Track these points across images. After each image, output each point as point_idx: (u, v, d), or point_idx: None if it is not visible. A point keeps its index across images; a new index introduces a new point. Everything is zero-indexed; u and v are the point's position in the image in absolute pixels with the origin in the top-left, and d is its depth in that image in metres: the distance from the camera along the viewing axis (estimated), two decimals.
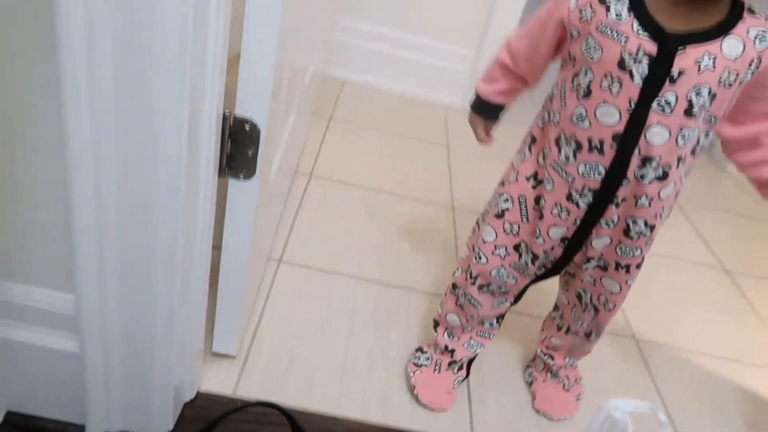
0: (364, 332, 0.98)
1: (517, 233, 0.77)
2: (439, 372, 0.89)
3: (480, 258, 0.80)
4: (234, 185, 0.72)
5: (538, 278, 0.82)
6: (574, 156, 0.68)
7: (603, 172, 0.67)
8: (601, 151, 0.66)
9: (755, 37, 0.60)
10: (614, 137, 0.64)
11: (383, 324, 1.00)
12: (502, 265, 0.79)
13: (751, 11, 0.61)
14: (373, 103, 1.83)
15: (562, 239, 0.75)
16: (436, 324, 0.91)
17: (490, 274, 0.80)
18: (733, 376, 1.11)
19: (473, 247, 0.82)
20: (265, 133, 0.67)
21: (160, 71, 0.50)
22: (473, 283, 0.82)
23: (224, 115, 0.63)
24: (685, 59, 0.59)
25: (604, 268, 0.77)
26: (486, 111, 0.82)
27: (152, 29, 0.47)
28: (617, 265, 0.76)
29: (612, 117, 0.63)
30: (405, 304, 1.06)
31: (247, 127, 0.66)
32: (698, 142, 0.66)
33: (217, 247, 0.73)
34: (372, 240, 1.20)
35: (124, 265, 0.61)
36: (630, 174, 0.66)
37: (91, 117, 0.52)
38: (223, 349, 0.85)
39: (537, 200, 0.74)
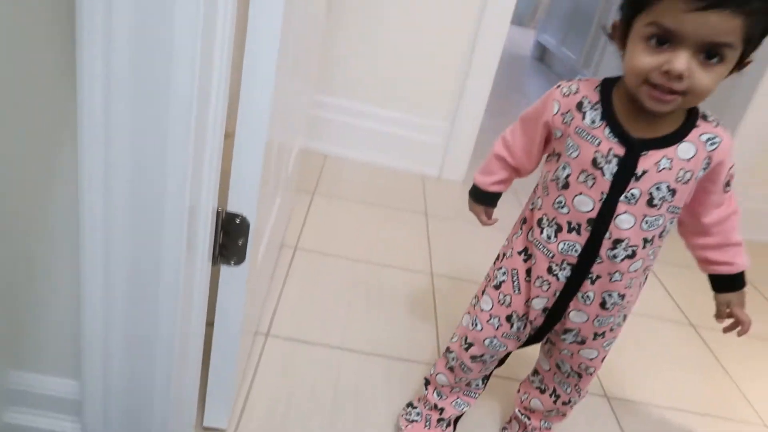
0: (349, 402, 1.03)
1: (509, 304, 0.86)
2: (430, 428, 0.97)
3: (476, 325, 0.88)
4: (226, 271, 0.79)
5: (522, 345, 0.90)
6: (555, 235, 0.78)
7: (579, 249, 0.77)
8: (578, 232, 0.76)
9: (706, 141, 0.71)
10: (589, 221, 0.75)
11: (368, 393, 1.06)
12: (495, 336, 0.87)
13: (705, 118, 0.72)
14: (355, 176, 1.94)
15: (544, 309, 0.83)
16: (427, 382, 0.99)
17: (484, 342, 0.88)
18: (704, 430, 1.17)
19: (471, 315, 0.90)
20: (253, 225, 0.75)
21: (167, 184, 0.58)
22: (467, 350, 0.90)
23: (218, 211, 0.72)
24: (647, 161, 0.70)
25: (582, 342, 0.85)
26: (485, 199, 0.92)
27: (162, 153, 0.56)
28: (594, 335, 0.84)
29: (587, 206, 0.74)
30: (387, 371, 1.12)
31: (238, 221, 0.74)
32: (664, 228, 0.76)
33: (210, 324, 0.80)
34: (355, 310, 1.27)
35: (128, 348, 0.68)
36: (603, 253, 0.75)
37: (104, 216, 0.60)
38: (213, 423, 0.90)
39: (528, 273, 0.83)
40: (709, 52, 0.62)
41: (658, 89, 0.64)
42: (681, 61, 0.62)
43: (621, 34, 0.69)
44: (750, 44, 0.63)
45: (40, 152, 0.60)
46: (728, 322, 0.85)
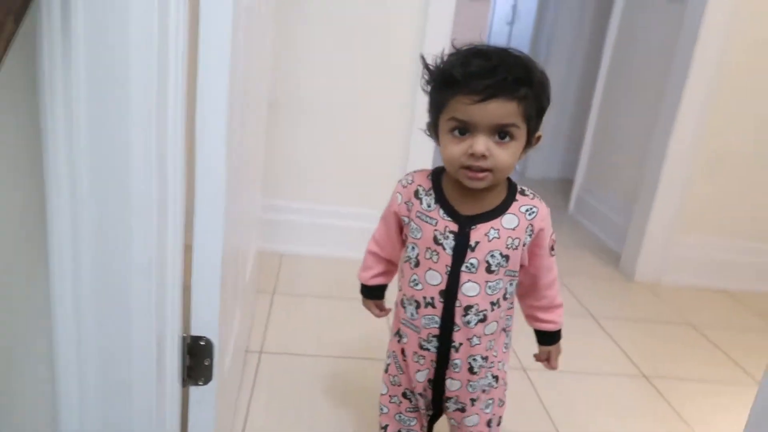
0: None
1: (399, 384, 0.96)
2: None
3: (383, 409, 0.99)
4: (195, 391, 0.84)
5: (432, 419, 0.99)
6: (416, 312, 0.89)
7: (438, 320, 0.87)
8: (433, 305, 0.87)
9: (526, 211, 0.86)
10: (440, 293, 0.86)
11: None
12: (399, 412, 0.97)
13: (523, 192, 0.87)
14: (312, 271, 2.01)
15: (429, 381, 0.93)
16: None
17: (395, 418, 0.97)
18: None
19: (379, 403, 1.00)
20: (218, 345, 0.81)
21: (133, 315, 0.64)
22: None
23: (183, 336, 0.78)
24: (477, 233, 0.84)
25: (463, 410, 0.94)
26: (372, 293, 1.03)
27: (126, 278, 0.63)
28: (472, 401, 0.93)
29: (436, 279, 0.86)
30: None
31: (203, 343, 0.80)
32: (506, 290, 0.88)
33: None
34: (322, 409, 1.31)
35: None
36: (458, 321, 0.86)
37: (77, 355, 0.65)
38: None
39: (403, 352, 0.94)
40: (501, 133, 0.77)
41: (471, 170, 0.78)
42: (480, 143, 0.76)
43: (433, 131, 0.85)
44: (531, 121, 0.79)
45: (14, 283, 0.66)
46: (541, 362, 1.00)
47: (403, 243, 0.95)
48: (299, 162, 2.06)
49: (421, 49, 1.96)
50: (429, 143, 2.07)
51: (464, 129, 0.78)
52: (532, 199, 0.87)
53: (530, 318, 0.98)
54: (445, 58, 0.81)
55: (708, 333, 1.92)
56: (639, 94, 2.55)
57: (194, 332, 0.79)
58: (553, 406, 1.42)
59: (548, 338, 0.98)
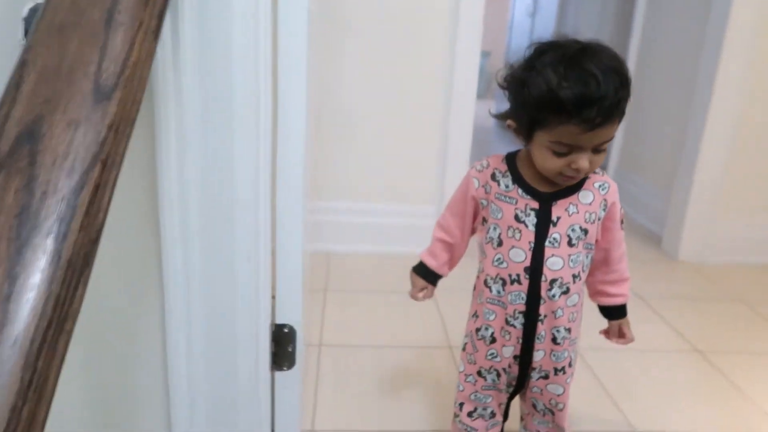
0: None
1: (474, 362, 0.99)
2: None
3: (459, 387, 1.02)
4: (280, 376, 0.89)
5: (512, 395, 1.02)
6: (503, 289, 0.92)
7: (524, 297, 0.91)
8: (519, 282, 0.90)
9: (599, 187, 0.90)
10: (525, 270, 0.89)
11: None
12: (475, 390, 0.99)
13: (593, 171, 0.89)
14: (360, 268, 2.06)
15: (514, 357, 0.96)
16: None
17: (470, 398, 1.00)
18: None
19: (458, 380, 1.03)
20: (300, 333, 0.86)
21: (238, 306, 0.70)
22: (461, 410, 1.02)
23: (271, 325, 0.83)
24: (558, 209, 0.88)
25: (546, 377, 0.97)
26: (430, 277, 1.04)
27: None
28: (555, 371, 0.96)
29: (520, 256, 0.89)
30: None
31: (286, 330, 0.85)
32: (584, 263, 0.92)
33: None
34: (388, 395, 1.35)
35: None
36: (543, 294, 0.90)
37: (186, 351, 0.71)
38: None
39: (477, 332, 0.97)
40: (600, 147, 0.81)
41: (569, 176, 0.84)
42: (584, 161, 0.81)
43: (520, 131, 0.86)
44: (623, 110, 0.81)
45: (132, 295, 0.72)
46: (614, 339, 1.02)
47: (474, 230, 0.99)
48: (341, 167, 2.12)
49: (452, 53, 2.00)
50: (463, 141, 2.12)
51: (568, 151, 0.81)
52: (602, 175, 0.92)
53: (598, 294, 1.00)
54: (534, 64, 0.81)
55: (760, 309, 1.91)
56: (670, 76, 2.54)
57: (279, 320, 0.84)
58: (612, 385, 1.44)
59: (617, 312, 1.01)
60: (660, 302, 1.89)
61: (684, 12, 2.47)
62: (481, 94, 6.49)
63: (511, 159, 0.93)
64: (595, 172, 0.90)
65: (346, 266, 2.07)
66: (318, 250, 2.12)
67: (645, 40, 2.78)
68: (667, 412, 1.35)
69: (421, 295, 1.06)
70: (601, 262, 0.96)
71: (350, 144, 2.10)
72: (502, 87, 0.87)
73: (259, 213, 0.71)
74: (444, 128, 2.09)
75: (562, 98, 0.77)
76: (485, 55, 2.16)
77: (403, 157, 2.12)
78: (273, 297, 0.83)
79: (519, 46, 4.62)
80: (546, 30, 4.01)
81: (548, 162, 0.83)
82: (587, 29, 3.63)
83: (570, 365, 0.98)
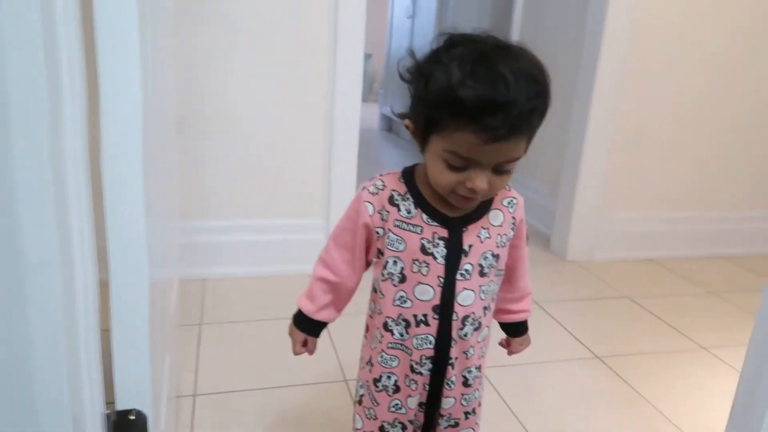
0: None
1: (375, 417, 0.84)
2: None
3: None
4: None
5: None
6: (407, 332, 0.78)
7: (433, 340, 0.78)
8: (426, 323, 0.77)
9: (507, 204, 0.80)
10: (434, 309, 0.77)
11: None
12: None
13: None
14: (241, 293, 1.84)
15: (420, 404, 0.83)
16: None
17: None
18: None
19: None
20: (152, 416, 0.66)
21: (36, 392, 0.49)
22: None
23: (107, 414, 0.62)
24: (469, 236, 0.76)
25: (456, 425, 0.85)
26: (309, 328, 0.87)
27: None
28: (466, 415, 0.85)
29: (428, 293, 0.76)
30: None
31: (132, 417, 0.65)
32: (494, 291, 0.82)
33: None
34: None
35: None
36: (455, 334, 0.78)
37: None
38: None
39: (375, 382, 0.83)
40: (503, 166, 0.69)
41: (464, 197, 0.71)
42: (481, 181, 0.68)
43: (416, 134, 0.73)
44: (531, 140, 0.70)
45: None
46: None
47: (369, 263, 0.84)
48: (214, 179, 1.88)
49: (334, 54, 1.85)
50: (349, 147, 1.97)
51: (464, 165, 0.68)
52: (509, 190, 0.81)
53: (501, 312, 0.90)
54: (441, 57, 0.67)
55: (645, 303, 1.95)
56: (551, 77, 2.56)
57: (120, 405, 0.64)
58: (516, 403, 1.36)
59: (521, 328, 0.93)
60: (554, 306, 1.87)
61: (562, 13, 2.50)
62: (364, 98, 6.44)
63: (409, 177, 0.78)
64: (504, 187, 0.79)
65: (225, 293, 1.84)
66: (190, 276, 1.88)
67: (523, 41, 2.79)
68: (576, 426, 1.29)
69: (303, 351, 0.89)
70: (505, 281, 0.86)
71: (225, 154, 1.87)
72: (403, 79, 0.72)
73: (73, 271, 0.51)
74: (328, 134, 1.93)
75: (461, 98, 0.63)
76: (366, 57, 2.03)
77: (284, 166, 1.93)
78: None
79: (399, 47, 4.58)
80: (426, 31, 3.99)
81: (441, 175, 0.69)
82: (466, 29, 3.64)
83: (479, 404, 0.88)
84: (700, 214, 2.42)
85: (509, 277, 0.86)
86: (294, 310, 0.89)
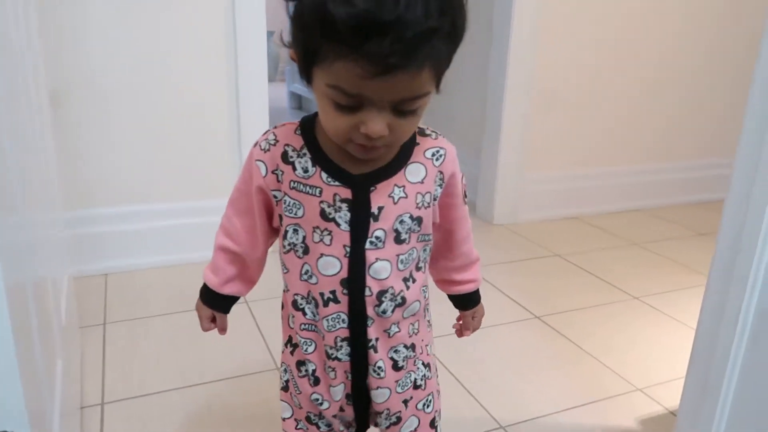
0: None
1: (300, 406, 0.73)
2: None
3: None
4: None
5: None
6: (317, 312, 0.66)
7: (346, 319, 0.65)
8: (336, 300, 0.65)
9: (432, 156, 0.65)
10: (342, 284, 0.64)
11: None
12: None
13: (422, 133, 0.66)
14: (149, 286, 1.64)
15: (347, 395, 0.71)
16: None
17: None
18: (595, 420, 1.16)
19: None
20: None
21: None
22: None
23: None
24: (379, 196, 0.62)
25: (398, 421, 0.73)
26: (216, 303, 0.75)
27: None
28: (405, 404, 0.72)
29: (333, 267, 0.64)
30: None
31: None
32: (419, 259, 0.68)
33: None
34: None
35: None
36: (371, 312, 0.65)
37: None
38: None
39: (299, 366, 0.71)
40: (405, 105, 0.54)
41: (363, 147, 0.57)
42: (376, 123, 0.54)
43: (302, 74, 0.58)
44: (442, 75, 0.56)
45: None
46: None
47: (275, 230, 0.70)
48: (107, 162, 1.66)
49: (233, 12, 1.67)
50: (259, 126, 1.80)
51: (355, 104, 0.53)
52: (436, 139, 0.67)
53: (444, 283, 0.79)
54: None
55: (575, 260, 1.94)
56: (466, 47, 2.50)
57: None
58: (462, 371, 1.28)
59: (469, 300, 0.80)
60: (487, 270, 1.81)
61: None
62: (271, 78, 6.22)
63: (308, 128, 0.64)
64: (425, 134, 0.66)
65: (130, 287, 1.63)
66: (88, 272, 1.65)
67: None
68: (525, 390, 1.23)
69: (212, 327, 0.77)
70: (442, 246, 0.74)
71: (121, 135, 1.65)
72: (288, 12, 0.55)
73: None
74: (235, 113, 1.75)
75: (333, 16, 0.48)
76: (269, 34, 1.87)
77: (188, 147, 1.73)
78: None
79: None
80: None
81: (330, 119, 0.56)
82: None
83: (417, 386, 0.72)
84: (617, 169, 2.46)
85: (447, 242, 0.74)
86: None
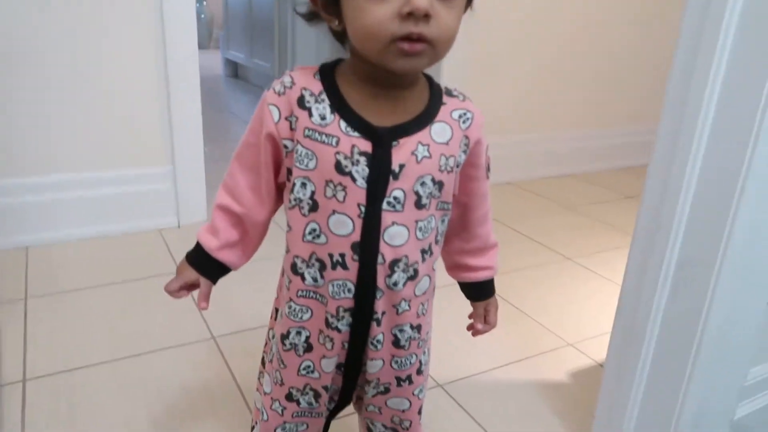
0: None
1: (281, 382, 0.68)
2: None
3: (263, 414, 0.71)
4: None
5: (332, 413, 0.74)
6: (322, 276, 0.61)
7: (352, 288, 0.61)
8: (344, 265, 0.60)
9: (459, 118, 0.61)
10: (353, 247, 0.59)
11: None
12: (284, 422, 0.70)
13: (449, 93, 0.63)
14: (76, 259, 1.56)
15: (338, 366, 0.67)
16: None
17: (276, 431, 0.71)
18: (529, 375, 1.20)
19: (259, 397, 0.73)
20: None
21: None
22: None
23: None
24: (402, 152, 0.57)
25: (386, 391, 0.70)
26: (206, 267, 0.67)
27: None
28: (398, 381, 0.69)
29: (345, 227, 0.58)
30: None
31: None
32: (437, 230, 0.65)
33: None
34: (138, 425, 0.99)
35: None
36: (381, 283, 0.61)
37: None
38: None
39: (283, 339, 0.66)
40: None
41: (407, 40, 0.51)
42: None
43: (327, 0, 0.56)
44: None
45: None
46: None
47: (280, 192, 0.65)
48: (23, 127, 1.55)
49: None
50: (190, 91, 1.72)
51: None
52: (463, 101, 0.62)
53: (457, 268, 0.74)
54: None
55: (511, 224, 1.98)
56: None
57: None
58: None
59: (482, 290, 0.75)
60: None
61: None
62: (203, 45, 5.97)
63: (328, 74, 0.59)
64: (452, 95, 0.62)
65: (55, 260, 1.55)
66: (6, 246, 1.56)
67: None
68: (462, 349, 1.26)
69: (182, 293, 0.67)
70: (457, 225, 0.69)
71: (39, 98, 1.54)
72: None
73: None
74: (164, 79, 1.66)
75: None
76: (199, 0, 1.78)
77: (114, 113, 1.63)
78: None
79: None
80: None
81: (368, 14, 0.51)
82: None
83: (420, 372, 0.70)
84: (550, 135, 2.52)
85: (464, 220, 0.68)
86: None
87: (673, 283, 0.84)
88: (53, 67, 1.54)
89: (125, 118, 1.66)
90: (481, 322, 0.77)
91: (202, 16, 5.85)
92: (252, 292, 1.38)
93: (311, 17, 0.60)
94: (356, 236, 0.58)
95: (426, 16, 0.50)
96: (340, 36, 0.59)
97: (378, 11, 0.51)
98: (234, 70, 4.81)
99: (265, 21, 3.83)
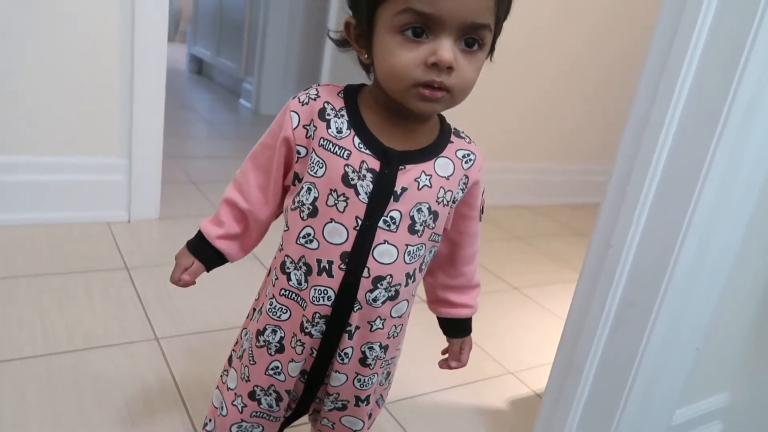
0: None
1: (248, 379, 0.69)
2: None
3: (223, 409, 0.71)
4: None
5: (288, 420, 0.74)
6: (306, 280, 0.63)
7: (333, 296, 0.63)
8: (330, 273, 0.62)
9: (462, 158, 0.65)
10: (342, 257, 0.61)
11: None
12: (242, 420, 0.70)
13: (457, 134, 0.67)
14: (17, 245, 1.50)
15: (302, 373, 0.69)
16: None
17: (230, 429, 0.71)
18: (470, 399, 1.22)
19: (220, 393, 0.73)
20: None
21: None
22: None
23: None
24: (406, 177, 0.61)
25: (343, 408, 0.72)
26: (203, 252, 0.70)
27: None
28: (357, 400, 0.71)
29: (340, 236, 0.61)
30: None
31: None
32: (423, 260, 0.67)
33: None
34: (67, 423, 0.95)
35: None
36: (361, 297, 0.63)
37: None
38: None
39: (258, 335, 0.68)
40: (469, 39, 0.56)
41: (428, 87, 0.56)
42: (447, 49, 0.54)
43: (361, 33, 0.59)
44: (498, 26, 0.59)
45: None
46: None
47: (284, 192, 0.67)
48: None
49: None
50: (155, 84, 1.69)
51: (421, 28, 0.54)
52: (469, 143, 0.67)
53: (438, 303, 0.77)
54: None
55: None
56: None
57: None
58: None
59: (461, 327, 0.78)
60: None
61: None
62: (170, 38, 5.88)
63: (351, 93, 0.63)
64: (459, 136, 0.67)
65: (4, 244, 1.49)
66: None
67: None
68: (408, 370, 1.27)
69: (186, 277, 0.70)
70: (445, 260, 0.73)
71: (2, 80, 1.48)
72: None
73: None
74: (128, 68, 1.62)
75: None
76: None
77: (74, 99, 1.59)
78: None
79: None
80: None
81: (397, 57, 0.55)
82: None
83: (379, 395, 0.74)
84: (510, 166, 2.59)
85: (452, 257, 0.72)
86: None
87: (615, 320, 0.88)
88: (14, 48, 1.48)
89: (85, 105, 1.62)
90: (456, 359, 0.80)
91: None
92: (202, 296, 1.36)
93: (342, 44, 0.63)
94: (348, 246, 0.61)
95: (449, 68, 0.55)
96: (367, 67, 0.62)
97: (406, 56, 0.55)
98: (198, 67, 4.74)
99: (236, 20, 3.80)
